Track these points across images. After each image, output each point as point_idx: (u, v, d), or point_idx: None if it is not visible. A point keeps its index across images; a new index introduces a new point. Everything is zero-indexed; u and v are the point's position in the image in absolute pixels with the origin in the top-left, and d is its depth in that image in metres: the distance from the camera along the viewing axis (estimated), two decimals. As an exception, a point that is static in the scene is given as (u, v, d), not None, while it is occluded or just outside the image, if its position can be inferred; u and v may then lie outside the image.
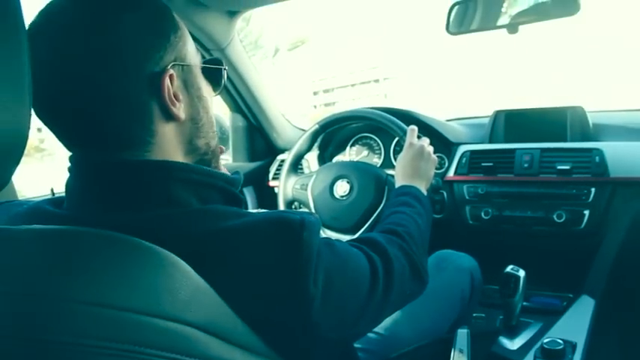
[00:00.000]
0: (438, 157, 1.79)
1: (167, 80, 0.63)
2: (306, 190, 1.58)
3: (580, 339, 1.28)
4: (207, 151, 0.74)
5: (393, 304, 0.81)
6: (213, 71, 0.77)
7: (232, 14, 1.60)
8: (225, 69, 0.79)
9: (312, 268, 0.60)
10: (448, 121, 1.93)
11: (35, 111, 0.59)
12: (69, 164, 0.65)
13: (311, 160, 1.82)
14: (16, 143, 0.45)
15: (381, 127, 1.54)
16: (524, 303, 1.44)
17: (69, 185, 0.65)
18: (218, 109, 2.05)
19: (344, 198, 1.51)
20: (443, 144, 1.79)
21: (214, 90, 0.79)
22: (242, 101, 1.92)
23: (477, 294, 1.32)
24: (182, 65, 0.67)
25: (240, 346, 0.56)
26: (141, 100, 0.62)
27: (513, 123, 1.77)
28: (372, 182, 1.49)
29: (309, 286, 0.59)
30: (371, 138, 1.97)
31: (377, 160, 1.94)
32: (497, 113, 1.80)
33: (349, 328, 0.72)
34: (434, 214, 1.75)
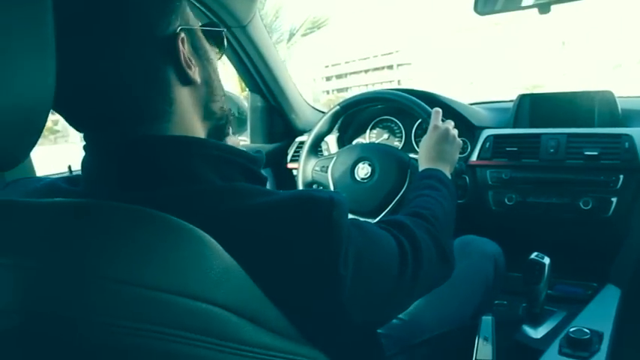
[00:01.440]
0: (461, 140, 1.77)
1: (180, 43, 0.62)
2: (326, 172, 1.56)
3: (606, 329, 1.25)
4: (222, 116, 0.74)
5: (421, 288, 0.79)
6: (214, 33, 0.75)
7: (254, -9, 1.57)
8: (224, 30, 0.77)
9: (343, 249, 0.57)
10: (471, 105, 1.89)
11: None
12: (84, 142, 0.63)
13: (330, 142, 1.79)
14: (38, 115, 0.43)
15: (404, 108, 1.51)
16: (548, 291, 1.40)
17: (85, 164, 0.63)
18: (231, 88, 2.02)
19: (365, 181, 1.48)
20: (466, 128, 1.75)
21: (219, 52, 0.77)
22: (261, 81, 1.89)
23: (501, 280, 1.29)
24: (189, 29, 0.65)
25: (270, 328, 0.54)
26: (157, 67, 0.61)
27: (538, 107, 1.72)
28: (395, 165, 1.46)
29: (339, 266, 0.57)
30: (392, 121, 1.93)
31: (398, 144, 1.90)
32: (522, 97, 1.76)
33: (377, 312, 0.71)
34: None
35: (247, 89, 2.01)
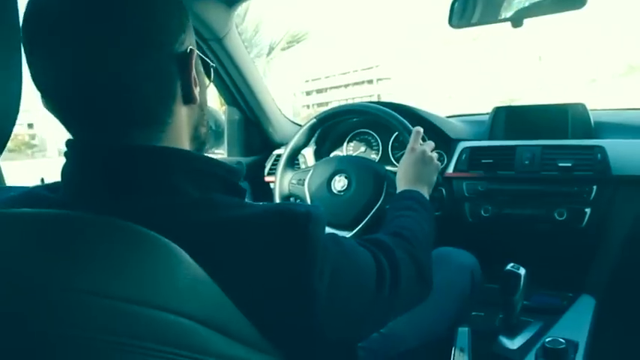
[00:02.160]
0: (437, 153, 1.78)
1: (194, 61, 0.63)
2: (303, 185, 1.55)
3: (582, 338, 1.26)
4: (204, 140, 0.74)
5: (398, 307, 0.80)
6: (205, 62, 0.76)
7: (231, 3, 1.57)
8: (213, 66, 0.80)
9: (318, 263, 0.57)
10: (448, 117, 1.91)
11: (48, 92, 0.59)
12: (65, 149, 0.62)
13: (308, 155, 1.78)
14: (4, 124, 0.43)
15: (381, 121, 1.52)
16: (524, 302, 1.41)
17: (65, 171, 0.62)
18: (211, 103, 2.01)
19: (342, 193, 1.48)
20: (442, 140, 1.76)
21: (208, 80, 0.78)
22: (238, 94, 1.89)
23: (477, 292, 1.29)
24: (193, 50, 0.66)
25: (241, 341, 0.53)
26: (170, 78, 0.62)
27: (513, 120, 1.74)
28: (371, 177, 1.46)
29: (314, 280, 0.57)
30: (369, 134, 1.94)
31: (374, 157, 1.91)
32: (497, 110, 1.78)
33: (353, 329, 0.71)
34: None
35: (225, 103, 2.00)
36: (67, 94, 0.58)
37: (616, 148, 1.51)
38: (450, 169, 1.70)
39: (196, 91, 0.65)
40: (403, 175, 1.20)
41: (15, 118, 0.45)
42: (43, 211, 0.51)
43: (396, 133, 1.80)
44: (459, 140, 1.75)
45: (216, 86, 1.89)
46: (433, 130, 1.75)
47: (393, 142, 1.88)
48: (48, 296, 0.42)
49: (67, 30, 0.55)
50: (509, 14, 1.31)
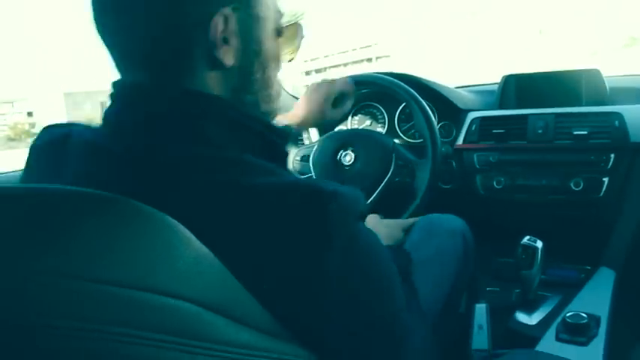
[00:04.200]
0: (445, 124, 1.72)
1: (219, 19, 0.58)
2: (307, 161, 1.49)
3: (603, 312, 1.20)
4: (256, 107, 0.68)
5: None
6: (290, 35, 0.73)
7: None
8: (303, 37, 0.75)
9: (335, 246, 0.51)
10: (456, 88, 1.84)
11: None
12: (114, 91, 0.62)
13: (311, 130, 1.72)
14: None
15: (387, 93, 1.46)
16: (541, 276, 1.36)
17: (107, 111, 0.62)
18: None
19: (349, 167, 1.42)
20: (451, 111, 1.70)
21: (289, 54, 0.75)
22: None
23: (472, 255, 1.23)
24: (245, 11, 0.61)
25: (249, 325, 0.47)
26: (187, 38, 0.58)
27: (524, 88, 1.68)
28: (379, 150, 1.41)
29: (328, 262, 0.51)
30: (374, 107, 1.87)
31: (381, 129, 1.84)
32: (507, 78, 1.71)
33: (363, 332, 0.61)
34: (442, 184, 1.67)
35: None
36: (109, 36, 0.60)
37: (634, 115, 1.45)
38: (460, 141, 1.64)
39: (222, 51, 0.59)
40: None
41: None
42: (15, 186, 0.45)
43: (403, 104, 1.74)
44: (468, 110, 1.69)
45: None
46: (441, 100, 1.69)
47: (399, 114, 1.82)
48: (24, 284, 0.37)
49: None
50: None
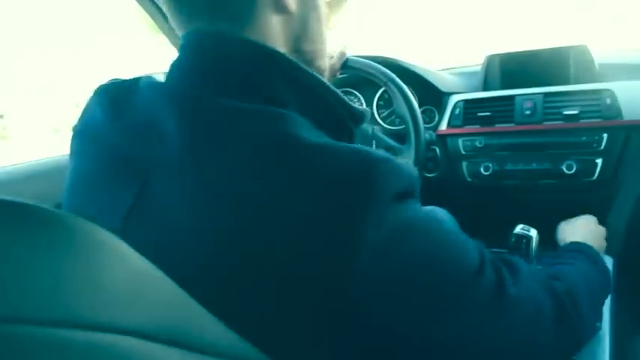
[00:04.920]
0: (427, 109, 1.63)
1: None
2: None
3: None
4: (311, 61, 0.68)
5: (499, 338, 0.57)
6: (336, 2, 0.75)
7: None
8: (346, 7, 0.77)
9: (378, 210, 0.48)
10: (438, 71, 1.76)
11: None
12: (181, 42, 0.63)
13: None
14: None
15: (365, 77, 1.36)
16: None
17: (174, 63, 0.62)
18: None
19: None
20: (433, 94, 1.62)
21: (335, 20, 0.76)
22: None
23: None
24: None
25: (211, 353, 0.39)
26: None
27: (509, 67, 1.59)
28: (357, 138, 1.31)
29: (365, 228, 0.46)
30: (351, 92, 1.78)
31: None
32: (490, 58, 1.63)
33: (399, 329, 0.51)
34: (426, 172, 1.59)
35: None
36: None
37: (626, 91, 1.38)
38: (443, 126, 1.56)
39: (291, 2, 0.61)
40: (572, 229, 1.15)
41: None
42: None
43: (382, 89, 1.65)
44: (451, 94, 1.60)
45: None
46: (422, 83, 1.61)
47: (378, 100, 1.73)
48: None
49: None
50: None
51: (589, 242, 1.00)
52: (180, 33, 0.64)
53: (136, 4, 1.45)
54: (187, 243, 0.50)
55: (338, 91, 0.65)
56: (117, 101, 0.63)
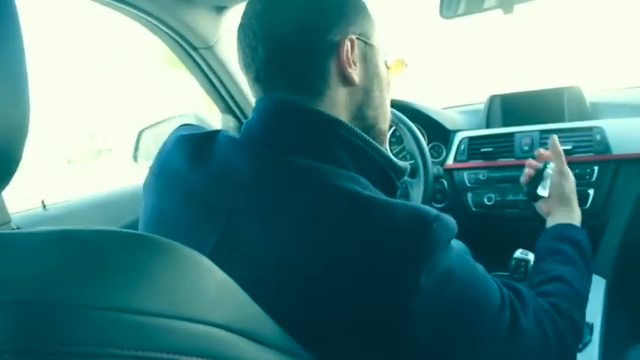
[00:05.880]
0: (435, 145, 1.78)
1: (347, 43, 0.69)
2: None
3: (596, 319, 1.25)
4: (373, 125, 0.76)
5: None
6: (396, 68, 0.85)
7: (220, 10, 1.56)
8: (407, 72, 0.88)
9: (431, 261, 0.55)
10: (443, 109, 1.90)
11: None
12: (257, 105, 0.72)
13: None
14: (14, 146, 0.42)
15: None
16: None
17: (250, 122, 0.71)
18: (204, 109, 1.99)
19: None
20: (440, 132, 1.76)
21: (396, 84, 0.85)
22: (232, 101, 1.87)
23: None
24: (365, 41, 0.73)
25: (272, 346, 0.52)
26: (322, 58, 0.69)
27: (509, 107, 1.74)
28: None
29: (421, 274, 0.55)
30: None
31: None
32: (493, 98, 1.78)
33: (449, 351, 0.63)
34: (435, 203, 1.72)
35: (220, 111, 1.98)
36: (253, 59, 0.71)
37: (615, 128, 1.52)
38: (450, 161, 1.70)
39: (351, 70, 0.70)
40: (558, 201, 1.10)
41: (25, 139, 0.44)
42: (55, 230, 0.50)
43: (393, 128, 1.80)
44: (456, 131, 1.75)
45: (208, 94, 1.88)
46: (430, 122, 1.75)
47: (390, 138, 1.87)
48: (67, 317, 0.41)
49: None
50: (498, 1, 1.31)
51: (574, 215, 1.07)
52: (255, 96, 0.73)
53: (154, 38, 1.57)
54: (266, 274, 0.57)
55: (386, 151, 0.72)
56: (198, 151, 0.70)
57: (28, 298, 0.41)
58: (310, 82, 0.69)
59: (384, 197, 0.60)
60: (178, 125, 0.84)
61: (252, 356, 0.49)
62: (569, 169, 1.12)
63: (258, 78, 0.71)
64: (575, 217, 1.06)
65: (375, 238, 0.56)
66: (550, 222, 1.07)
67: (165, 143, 0.79)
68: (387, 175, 0.71)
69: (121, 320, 0.42)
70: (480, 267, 0.66)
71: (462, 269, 0.61)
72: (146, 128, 1.67)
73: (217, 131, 0.73)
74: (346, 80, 0.70)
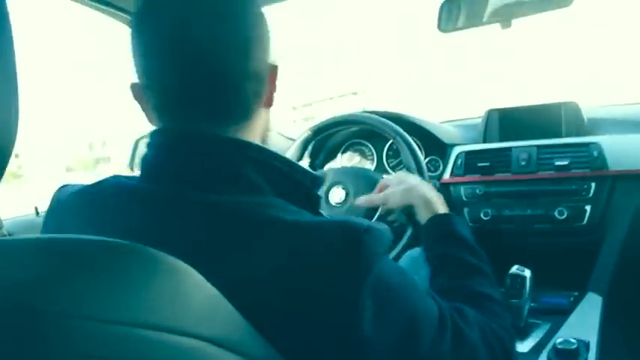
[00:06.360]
0: (432, 159, 1.77)
1: (276, 69, 0.71)
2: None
3: (592, 337, 1.24)
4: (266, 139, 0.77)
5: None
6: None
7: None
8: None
9: (371, 276, 0.56)
10: (441, 123, 1.90)
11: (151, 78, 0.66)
12: (149, 140, 0.68)
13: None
14: (4, 138, 0.42)
15: (375, 131, 1.51)
16: (531, 304, 1.39)
17: (146, 159, 0.67)
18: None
19: (340, 205, 1.47)
20: (437, 146, 1.76)
21: None
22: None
23: None
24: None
25: None
26: (264, 82, 0.70)
27: (507, 121, 1.74)
28: (368, 186, 1.45)
29: (364, 292, 0.55)
30: (363, 144, 1.93)
31: (370, 166, 1.90)
32: (490, 112, 1.78)
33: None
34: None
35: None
36: (170, 82, 0.65)
37: (611, 144, 1.51)
38: (447, 175, 1.70)
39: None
40: (421, 200, 1.09)
41: (15, 134, 0.44)
42: (42, 237, 0.49)
43: (390, 141, 1.80)
44: (453, 145, 1.74)
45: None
46: (427, 136, 1.75)
47: (387, 151, 1.88)
48: (48, 323, 0.40)
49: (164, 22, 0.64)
50: (496, 16, 1.32)
51: (439, 205, 1.09)
52: (155, 124, 0.69)
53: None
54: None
55: (295, 162, 0.71)
56: (90, 216, 0.65)
57: (7, 305, 0.40)
58: (240, 109, 0.69)
59: (308, 217, 0.61)
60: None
61: None
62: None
63: (172, 104, 0.69)
64: (438, 203, 1.08)
65: (311, 263, 0.56)
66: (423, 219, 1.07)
67: (49, 210, 0.73)
68: (307, 190, 0.70)
69: (104, 331, 0.41)
70: (418, 284, 0.67)
71: (398, 282, 0.62)
72: (143, 137, 1.67)
73: (103, 181, 0.69)
74: (270, 104, 0.73)
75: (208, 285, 0.48)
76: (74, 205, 0.69)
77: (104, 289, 0.43)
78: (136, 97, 0.70)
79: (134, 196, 0.64)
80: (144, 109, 0.71)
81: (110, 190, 0.67)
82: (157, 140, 0.67)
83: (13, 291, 0.41)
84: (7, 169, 0.45)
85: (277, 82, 0.73)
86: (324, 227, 0.58)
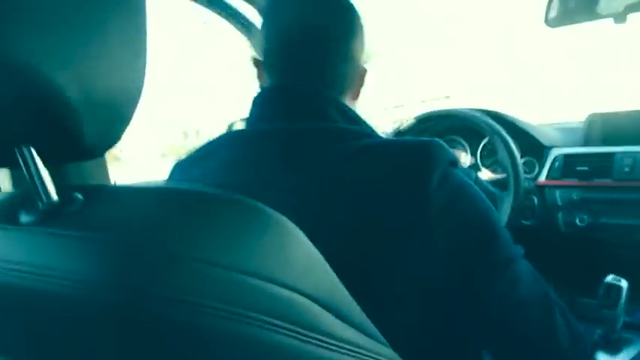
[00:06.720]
0: (528, 160, 1.73)
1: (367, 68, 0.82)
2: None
3: None
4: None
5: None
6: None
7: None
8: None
9: (437, 174, 0.61)
10: (540, 125, 1.85)
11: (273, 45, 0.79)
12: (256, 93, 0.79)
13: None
14: (128, 107, 0.46)
15: (472, 127, 1.49)
16: (625, 318, 1.33)
17: (257, 102, 0.78)
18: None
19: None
20: (534, 147, 1.71)
21: None
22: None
23: None
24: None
25: (350, 324, 0.52)
26: (356, 68, 0.80)
27: (610, 126, 1.66)
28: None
29: (431, 185, 0.60)
30: (457, 141, 1.90)
31: (464, 159, 1.87)
32: (592, 116, 1.70)
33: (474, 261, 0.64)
34: (523, 220, 1.67)
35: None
36: (282, 55, 0.78)
37: None
38: (543, 177, 1.65)
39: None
40: None
41: (136, 104, 0.47)
42: (163, 186, 0.53)
43: (486, 139, 1.76)
44: (551, 147, 1.69)
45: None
46: (524, 135, 1.71)
47: (482, 150, 1.84)
48: (168, 264, 0.43)
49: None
50: (612, 10, 1.25)
51: None
52: (270, 78, 0.80)
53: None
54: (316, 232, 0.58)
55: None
56: (206, 161, 0.76)
57: (131, 239, 0.44)
58: (338, 85, 0.79)
59: (385, 139, 0.71)
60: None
61: (337, 331, 0.50)
62: None
63: (288, 68, 0.80)
64: None
65: (392, 166, 0.63)
66: None
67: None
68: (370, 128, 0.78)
69: (213, 274, 0.43)
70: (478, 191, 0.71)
71: (473, 190, 0.67)
72: (236, 122, 1.73)
73: (220, 137, 0.79)
74: (356, 96, 0.83)
75: (310, 245, 0.50)
76: (193, 157, 0.79)
77: (227, 239, 0.45)
78: (257, 66, 0.83)
79: (247, 135, 0.76)
80: (258, 77, 0.83)
81: (224, 138, 0.78)
82: (263, 92, 0.79)
83: (148, 232, 0.45)
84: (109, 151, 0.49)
85: (367, 80, 0.83)
86: (398, 142, 0.69)
